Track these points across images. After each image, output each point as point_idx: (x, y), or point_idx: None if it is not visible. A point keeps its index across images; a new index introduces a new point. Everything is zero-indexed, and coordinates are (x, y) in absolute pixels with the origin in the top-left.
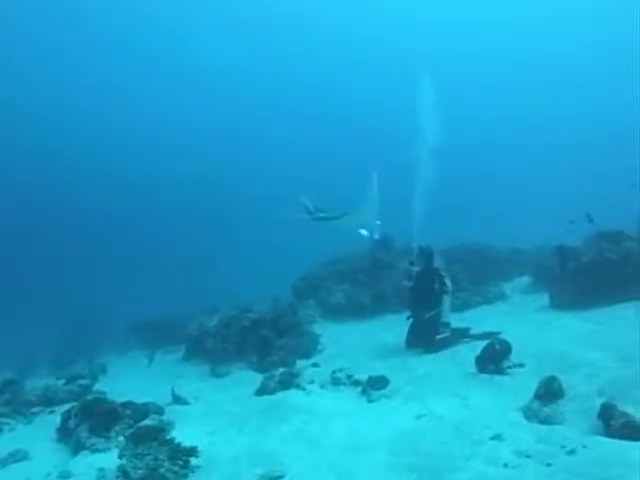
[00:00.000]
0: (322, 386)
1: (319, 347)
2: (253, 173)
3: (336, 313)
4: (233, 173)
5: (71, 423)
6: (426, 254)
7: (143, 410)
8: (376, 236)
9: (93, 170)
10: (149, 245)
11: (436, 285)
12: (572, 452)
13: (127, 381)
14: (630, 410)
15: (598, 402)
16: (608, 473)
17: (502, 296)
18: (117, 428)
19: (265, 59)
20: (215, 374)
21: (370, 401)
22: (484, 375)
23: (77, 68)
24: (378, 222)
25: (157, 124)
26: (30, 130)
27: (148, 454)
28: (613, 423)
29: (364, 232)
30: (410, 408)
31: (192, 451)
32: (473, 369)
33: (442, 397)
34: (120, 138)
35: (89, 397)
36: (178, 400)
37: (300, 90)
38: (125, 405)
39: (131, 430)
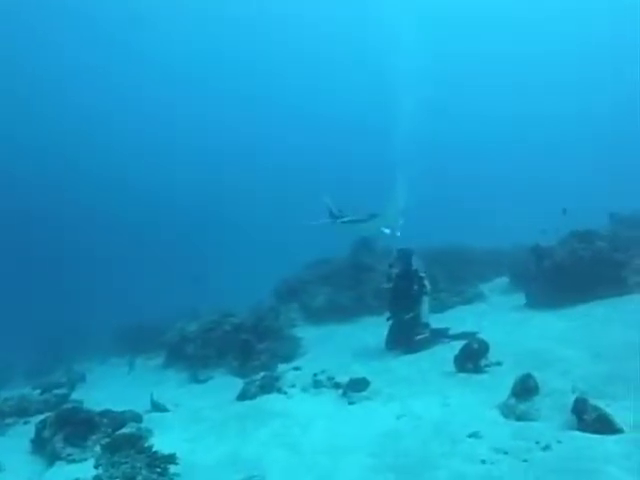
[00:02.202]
0: (303, 389)
1: (301, 350)
2: (248, 175)
3: (318, 316)
4: (223, 176)
5: (46, 433)
6: (405, 256)
7: (121, 418)
8: (398, 234)
9: (78, 172)
10: (129, 251)
11: (415, 286)
12: (547, 447)
13: (106, 389)
14: (602, 404)
15: (572, 398)
16: (581, 467)
17: (481, 296)
18: (94, 437)
19: (266, 59)
20: (196, 380)
21: (351, 403)
22: (463, 374)
23: (77, 68)
24: (401, 221)
25: (152, 123)
26: (26, 127)
27: (125, 463)
28: (586, 418)
29: (386, 230)
30: (390, 409)
31: (170, 458)
32: (452, 369)
33: (422, 397)
34: (115, 137)
35: (65, 406)
36: (157, 407)
37: (298, 91)
38: (102, 414)
39: (108, 439)
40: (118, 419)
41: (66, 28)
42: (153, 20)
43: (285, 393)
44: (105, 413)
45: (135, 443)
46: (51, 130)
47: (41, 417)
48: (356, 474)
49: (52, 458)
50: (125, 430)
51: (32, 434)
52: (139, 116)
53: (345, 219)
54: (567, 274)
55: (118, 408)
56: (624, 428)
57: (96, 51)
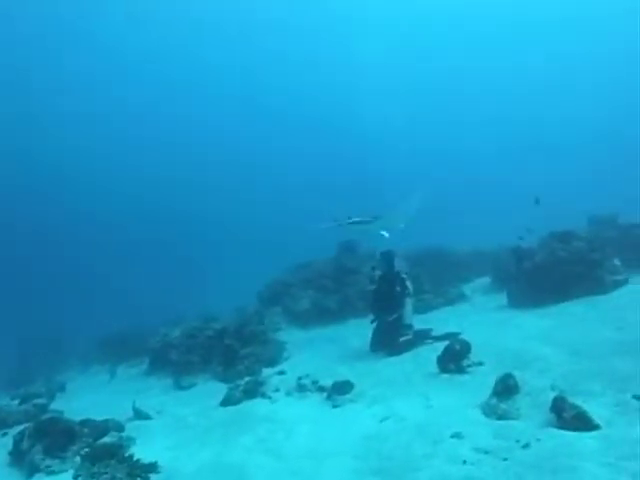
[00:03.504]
0: (288, 393)
1: (285, 354)
2: (237, 177)
3: (302, 319)
4: (210, 176)
5: (24, 445)
6: (387, 258)
7: (102, 427)
8: (386, 235)
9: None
10: (113, 256)
11: (397, 288)
12: (527, 446)
13: (87, 398)
14: (580, 402)
15: (551, 396)
16: (559, 464)
17: (463, 297)
18: (74, 448)
19: (264, 62)
20: (179, 386)
21: (335, 406)
22: (445, 375)
23: (77, 67)
24: (402, 225)
25: (140, 122)
26: (19, 127)
27: (105, 473)
28: (565, 415)
29: (385, 234)
30: (374, 411)
31: (152, 467)
32: (435, 369)
33: (405, 399)
34: (102, 137)
35: (44, 417)
36: (140, 415)
37: (291, 92)
38: (83, 423)
39: (88, 449)
40: (99, 428)
41: (67, 28)
42: (146, 22)
43: (269, 398)
44: (86, 422)
45: (116, 452)
46: (41, 131)
47: (20, 428)
48: (340, 478)
49: (31, 470)
50: (106, 439)
51: (10, 446)
52: (126, 116)
53: (351, 220)
54: (546, 274)
55: (99, 417)
56: (601, 424)
57: (96, 51)
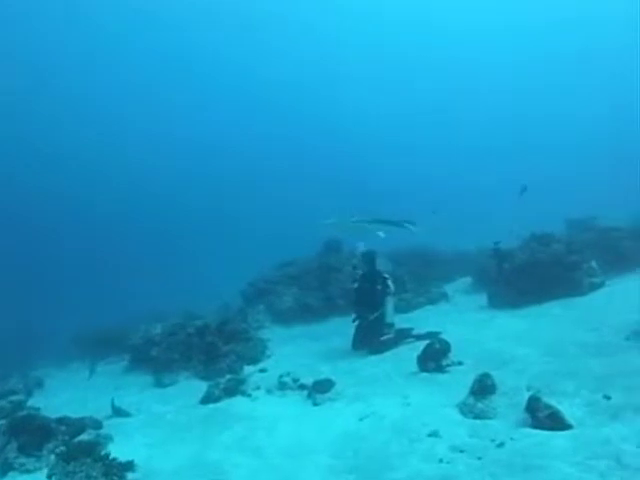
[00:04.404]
0: (268, 391)
1: (267, 352)
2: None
3: (286, 317)
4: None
5: None
6: (368, 257)
7: (79, 425)
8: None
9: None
10: (92, 252)
11: (379, 287)
12: (501, 445)
13: (65, 395)
14: (554, 402)
15: (526, 396)
16: (531, 463)
17: (445, 297)
18: (50, 446)
19: (261, 60)
20: (159, 384)
21: (315, 404)
22: (425, 374)
23: (76, 66)
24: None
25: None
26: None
27: (80, 472)
28: (539, 415)
29: (381, 234)
30: (354, 410)
31: (128, 466)
32: (415, 368)
33: (385, 397)
34: (91, 130)
35: (20, 414)
36: (119, 412)
37: (296, 91)
38: (60, 421)
39: (63, 447)
40: (76, 426)
41: (67, 28)
42: (155, 20)
43: (249, 396)
44: (62, 420)
45: (92, 451)
46: (33, 126)
47: None
48: (317, 476)
49: (4, 468)
50: (83, 437)
51: None
52: (121, 110)
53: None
54: (526, 276)
55: (78, 414)
56: (573, 424)
57: (96, 50)
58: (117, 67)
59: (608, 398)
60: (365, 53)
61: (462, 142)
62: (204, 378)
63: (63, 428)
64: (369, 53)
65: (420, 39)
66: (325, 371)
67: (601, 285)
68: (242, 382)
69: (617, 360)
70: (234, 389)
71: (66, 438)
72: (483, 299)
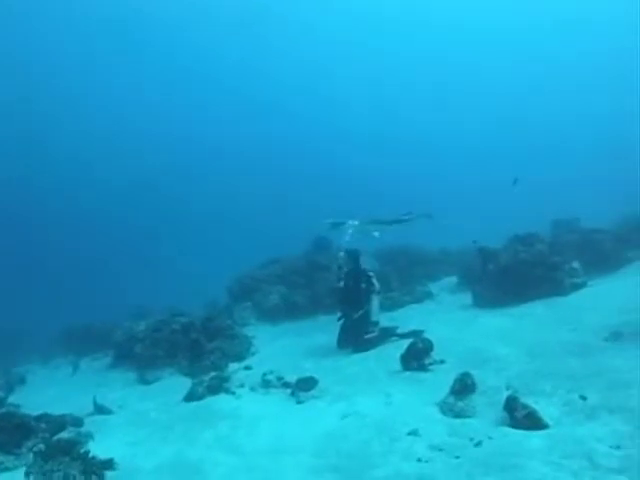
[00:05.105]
0: (252, 389)
1: (252, 349)
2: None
3: (272, 315)
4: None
5: None
6: (352, 256)
7: (60, 422)
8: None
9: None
10: (77, 248)
11: (363, 285)
12: (479, 444)
13: (47, 392)
14: (531, 401)
15: (505, 395)
16: (507, 462)
17: (430, 295)
18: (29, 444)
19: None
20: (143, 381)
21: (299, 402)
22: (408, 372)
23: (76, 65)
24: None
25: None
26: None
27: (58, 470)
28: (516, 414)
29: (376, 234)
30: (336, 408)
31: (108, 464)
32: (398, 367)
33: (367, 396)
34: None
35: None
36: (101, 410)
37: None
38: (40, 418)
39: (41, 445)
40: (56, 423)
41: (68, 27)
42: (152, 18)
43: (233, 393)
44: (42, 417)
45: (71, 449)
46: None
47: None
48: (297, 475)
49: None
50: (63, 435)
51: None
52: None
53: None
54: (509, 276)
55: (59, 411)
56: (550, 423)
57: (96, 49)
58: (117, 66)
59: (584, 398)
60: (365, 52)
61: (461, 143)
62: (188, 375)
63: (43, 425)
64: (369, 52)
65: (420, 38)
66: (309, 369)
67: (583, 286)
68: (226, 380)
69: (595, 361)
70: (218, 387)
71: (46, 436)
72: (468, 298)
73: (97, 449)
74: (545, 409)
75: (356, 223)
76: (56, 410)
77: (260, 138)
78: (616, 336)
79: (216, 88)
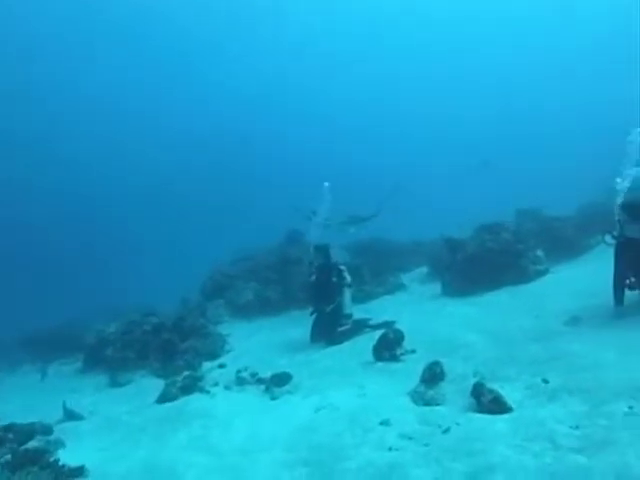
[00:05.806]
0: (227, 387)
1: (227, 347)
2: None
3: (245, 311)
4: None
5: None
6: (322, 251)
7: (28, 431)
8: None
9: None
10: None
11: (334, 279)
12: (447, 430)
13: (15, 400)
14: (497, 386)
15: (473, 381)
16: (473, 447)
17: (402, 286)
18: None
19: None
20: (115, 384)
21: (273, 398)
22: (380, 363)
23: (76, 65)
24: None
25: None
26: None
27: None
28: (483, 400)
29: (352, 230)
30: (310, 402)
31: (78, 471)
32: (371, 358)
33: (341, 388)
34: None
35: None
36: (71, 416)
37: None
38: (7, 428)
39: (9, 456)
40: (25, 432)
41: (69, 27)
42: (152, 17)
43: (207, 392)
44: (10, 427)
45: (39, 458)
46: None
47: None
48: (270, 471)
49: None
50: (31, 444)
51: None
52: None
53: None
54: (477, 264)
55: (28, 420)
56: (513, 407)
57: (97, 49)
58: (117, 62)
59: (546, 382)
60: (364, 51)
61: (461, 138)
62: (161, 376)
63: (10, 436)
64: (368, 51)
65: (418, 37)
66: (283, 364)
67: (545, 272)
68: (200, 379)
69: (555, 345)
70: (192, 386)
71: (14, 446)
72: (438, 288)
73: (68, 457)
74: (510, 394)
75: (319, 221)
76: (25, 419)
77: (256, 135)
78: (575, 320)
79: (215, 84)
